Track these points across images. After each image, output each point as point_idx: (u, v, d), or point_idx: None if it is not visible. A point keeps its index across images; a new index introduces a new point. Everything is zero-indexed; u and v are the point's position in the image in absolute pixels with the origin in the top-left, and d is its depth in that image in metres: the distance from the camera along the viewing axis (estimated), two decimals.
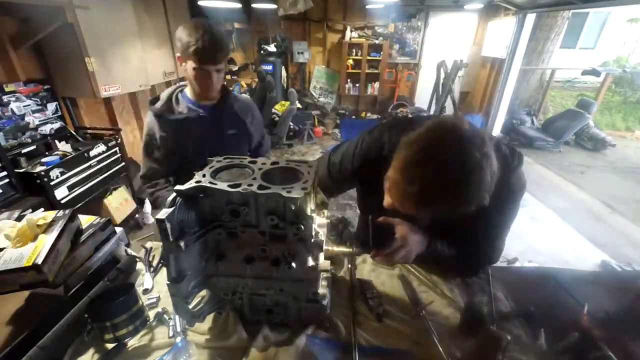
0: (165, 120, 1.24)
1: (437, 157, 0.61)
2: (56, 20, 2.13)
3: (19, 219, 0.92)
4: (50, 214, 0.91)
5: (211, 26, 1.12)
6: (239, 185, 0.67)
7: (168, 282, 0.69)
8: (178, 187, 0.66)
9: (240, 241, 0.72)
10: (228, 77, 5.42)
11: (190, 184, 0.67)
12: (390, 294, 0.94)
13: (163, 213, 0.62)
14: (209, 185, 0.67)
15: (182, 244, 0.64)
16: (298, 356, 0.74)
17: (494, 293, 0.93)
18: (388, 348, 0.78)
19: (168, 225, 0.62)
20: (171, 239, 0.64)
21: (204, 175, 0.71)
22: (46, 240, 0.81)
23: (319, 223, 0.81)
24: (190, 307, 0.75)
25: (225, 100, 1.30)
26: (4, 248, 0.80)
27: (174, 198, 0.67)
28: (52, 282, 0.79)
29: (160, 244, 1.07)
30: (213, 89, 1.20)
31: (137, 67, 2.93)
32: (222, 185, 0.66)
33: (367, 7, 5.66)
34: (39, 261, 0.75)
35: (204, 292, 0.81)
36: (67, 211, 0.92)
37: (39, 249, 0.79)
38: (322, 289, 0.80)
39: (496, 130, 5.40)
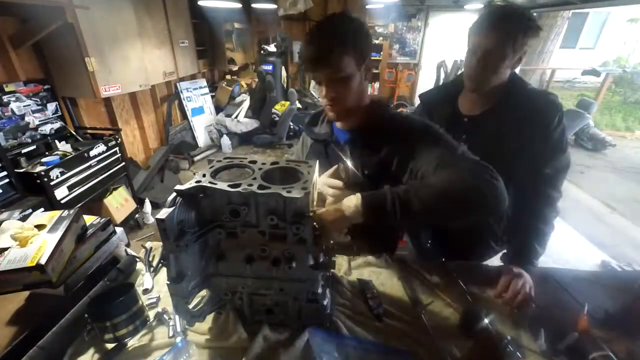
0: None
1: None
2: (56, 20, 2.13)
3: (23, 219, 0.92)
4: (55, 214, 0.91)
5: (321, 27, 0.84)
6: (239, 185, 0.67)
7: (168, 282, 0.69)
8: (178, 187, 0.66)
9: (240, 241, 0.72)
10: (228, 77, 5.42)
11: (191, 183, 0.67)
12: (390, 294, 0.94)
13: (163, 213, 0.62)
14: (209, 185, 0.67)
15: (182, 243, 0.64)
16: (298, 356, 0.74)
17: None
18: (388, 347, 0.78)
19: (168, 225, 0.62)
20: (171, 239, 0.64)
21: (204, 175, 0.71)
22: (50, 240, 0.81)
23: None
24: (190, 307, 0.75)
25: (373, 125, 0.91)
26: (9, 247, 0.80)
27: (174, 198, 0.67)
28: (55, 282, 0.79)
29: (160, 244, 1.07)
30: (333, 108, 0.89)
31: (137, 67, 2.93)
32: (222, 185, 0.66)
33: (367, 7, 5.66)
34: (43, 261, 0.75)
35: (204, 292, 0.81)
36: (71, 211, 0.92)
37: (43, 249, 0.78)
38: (322, 289, 0.80)
39: None
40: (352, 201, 0.72)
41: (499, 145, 1.02)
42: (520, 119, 1.00)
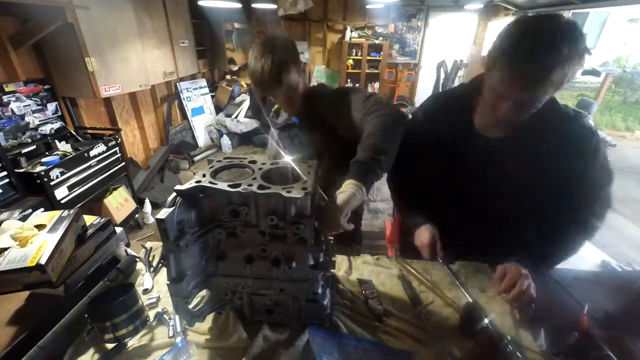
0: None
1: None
2: (56, 20, 2.13)
3: (23, 219, 0.92)
4: (55, 214, 0.91)
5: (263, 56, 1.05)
6: (239, 185, 0.66)
7: (168, 282, 0.69)
8: (178, 187, 0.66)
9: (240, 241, 0.72)
10: (228, 77, 5.42)
11: (191, 183, 0.67)
12: (390, 294, 0.94)
13: (163, 213, 0.62)
14: (209, 185, 0.67)
15: (182, 243, 0.64)
16: (298, 356, 0.74)
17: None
18: (388, 347, 0.78)
19: (168, 225, 0.62)
20: (171, 239, 0.64)
21: (204, 175, 0.71)
22: (50, 240, 0.81)
23: None
24: (190, 307, 0.75)
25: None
26: (9, 247, 0.80)
27: (174, 198, 0.67)
28: (55, 282, 0.79)
29: (160, 244, 1.07)
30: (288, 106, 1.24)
31: (137, 67, 2.93)
32: (222, 185, 0.66)
33: (367, 7, 5.67)
34: (43, 261, 0.75)
35: (204, 292, 0.81)
36: (71, 211, 0.92)
37: (43, 249, 0.78)
38: (322, 289, 0.80)
39: None
40: (345, 189, 0.80)
41: (528, 170, 0.92)
42: (552, 143, 0.89)
